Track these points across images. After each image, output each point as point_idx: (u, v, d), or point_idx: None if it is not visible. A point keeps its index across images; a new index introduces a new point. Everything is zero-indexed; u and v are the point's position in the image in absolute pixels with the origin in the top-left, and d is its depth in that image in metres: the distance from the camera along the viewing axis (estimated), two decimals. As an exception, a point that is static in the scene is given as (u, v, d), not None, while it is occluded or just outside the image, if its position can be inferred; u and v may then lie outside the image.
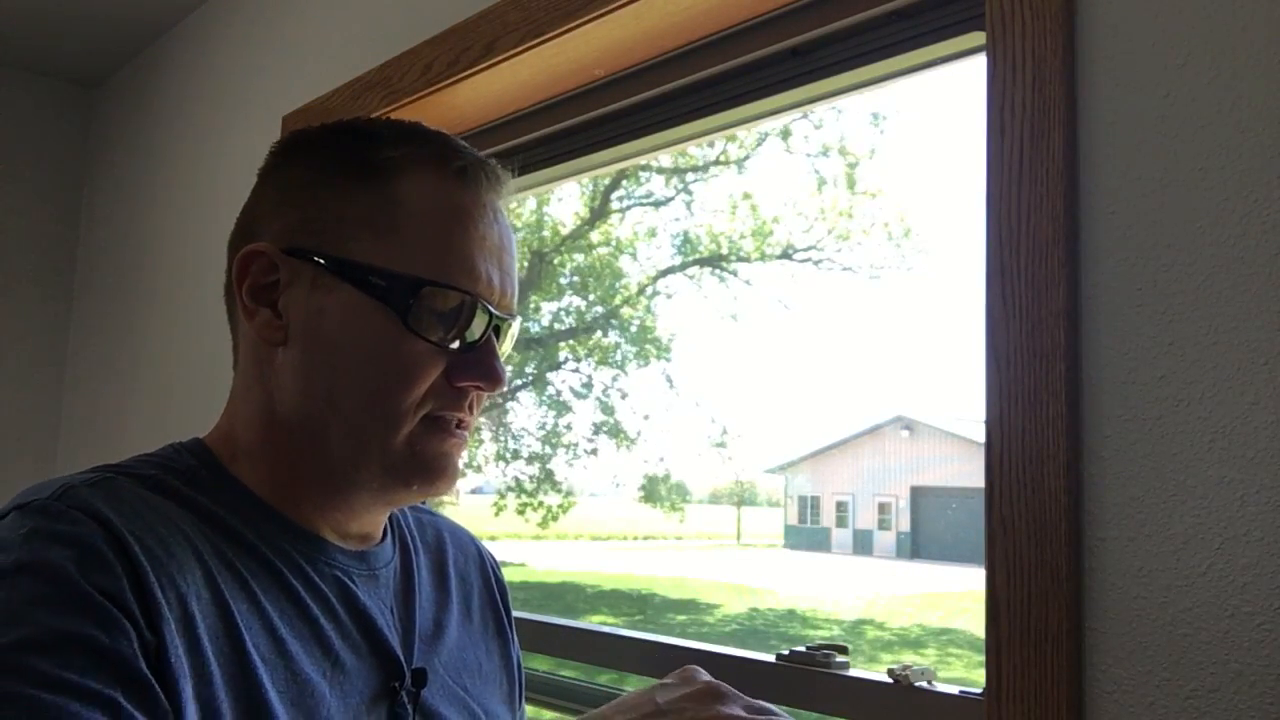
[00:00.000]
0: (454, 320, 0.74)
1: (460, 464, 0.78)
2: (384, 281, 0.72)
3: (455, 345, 0.74)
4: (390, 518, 0.84)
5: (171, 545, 0.65)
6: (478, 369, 0.75)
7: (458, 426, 0.76)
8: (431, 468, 0.75)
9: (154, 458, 0.74)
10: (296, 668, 0.68)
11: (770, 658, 1.09)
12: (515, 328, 0.80)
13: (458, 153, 0.77)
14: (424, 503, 0.90)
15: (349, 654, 0.72)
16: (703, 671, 0.72)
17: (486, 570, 0.94)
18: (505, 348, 0.78)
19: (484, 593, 0.91)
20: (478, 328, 0.75)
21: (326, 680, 0.70)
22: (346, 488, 0.75)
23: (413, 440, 0.74)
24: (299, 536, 0.74)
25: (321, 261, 0.73)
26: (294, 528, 0.74)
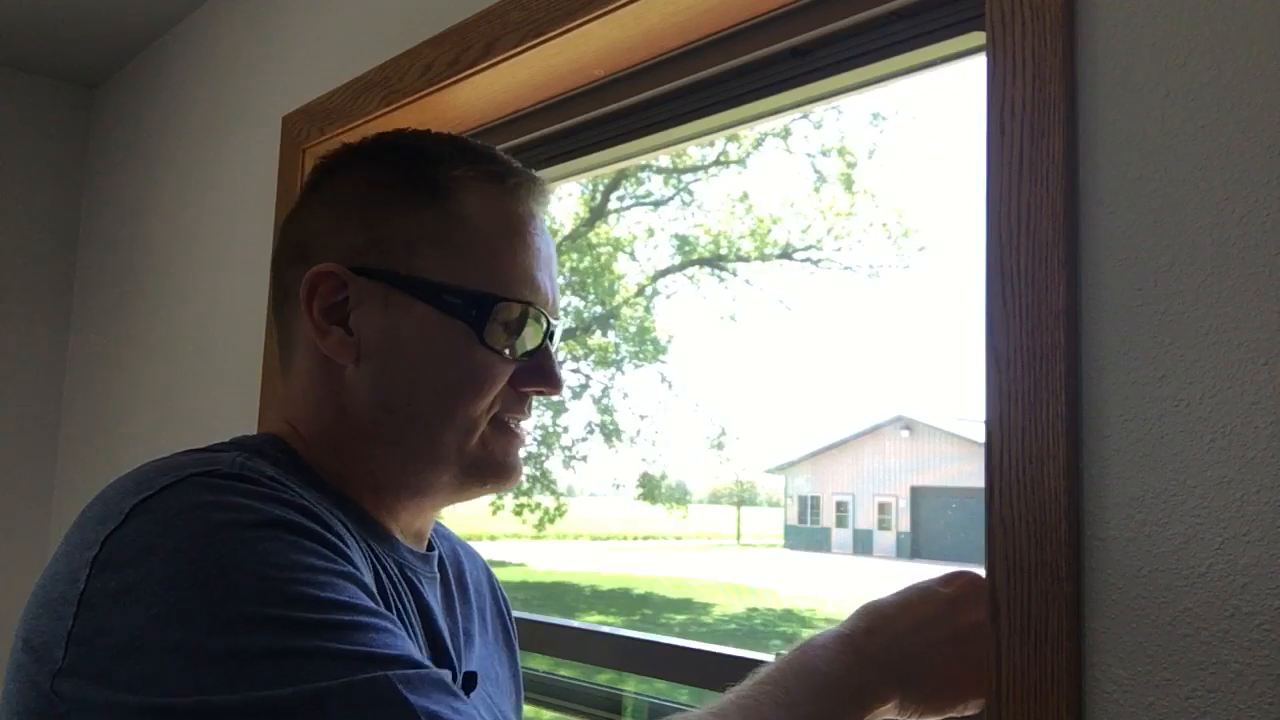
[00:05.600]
0: (519, 331, 0.78)
1: (522, 460, 0.83)
2: (458, 299, 0.75)
3: (520, 354, 0.78)
4: None
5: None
6: (539, 374, 0.80)
7: (517, 426, 0.81)
8: (503, 465, 0.80)
9: (238, 445, 0.74)
10: None
11: (769, 658, 1.09)
12: (561, 329, 0.84)
13: (509, 167, 0.81)
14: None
15: (419, 648, 0.74)
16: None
17: (493, 583, 0.97)
18: (554, 347, 0.82)
19: (493, 605, 0.95)
20: (538, 336, 0.79)
21: None
22: (424, 488, 0.78)
23: (485, 442, 0.78)
24: (375, 530, 0.77)
25: (395, 281, 0.75)
26: (371, 521, 0.77)
